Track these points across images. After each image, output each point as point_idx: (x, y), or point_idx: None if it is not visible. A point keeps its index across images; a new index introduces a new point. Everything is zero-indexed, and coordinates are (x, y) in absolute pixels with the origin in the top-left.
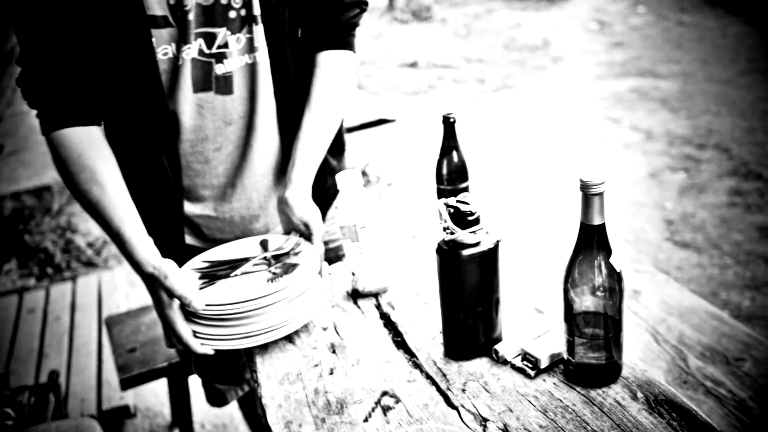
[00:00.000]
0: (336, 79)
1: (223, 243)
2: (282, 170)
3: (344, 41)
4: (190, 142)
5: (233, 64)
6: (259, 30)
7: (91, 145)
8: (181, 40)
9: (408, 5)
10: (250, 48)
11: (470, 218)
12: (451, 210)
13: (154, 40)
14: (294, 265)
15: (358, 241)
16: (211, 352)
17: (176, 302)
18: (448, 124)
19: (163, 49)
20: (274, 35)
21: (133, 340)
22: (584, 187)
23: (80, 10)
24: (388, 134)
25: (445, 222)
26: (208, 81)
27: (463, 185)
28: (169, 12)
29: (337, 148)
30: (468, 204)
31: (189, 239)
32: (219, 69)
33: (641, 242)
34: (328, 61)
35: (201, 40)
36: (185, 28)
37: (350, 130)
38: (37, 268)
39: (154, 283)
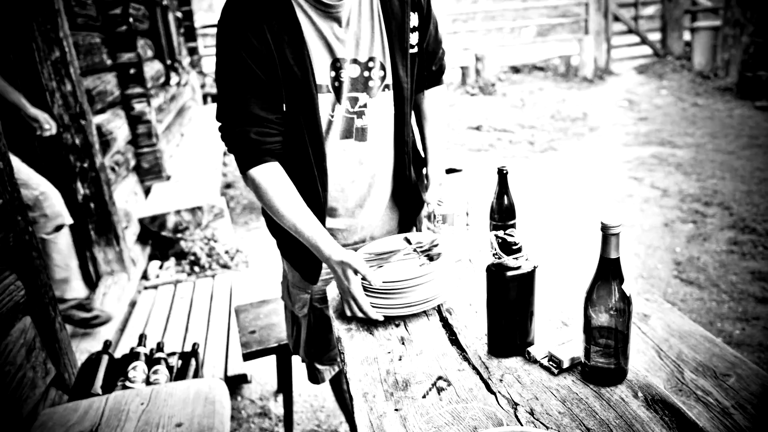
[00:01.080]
0: (440, 102)
1: (345, 246)
2: (391, 196)
3: (441, 80)
4: (332, 176)
5: (369, 119)
6: (389, 95)
7: (278, 178)
8: (336, 101)
9: (476, 82)
10: (382, 107)
11: (514, 247)
12: (500, 240)
13: (318, 101)
14: (439, 254)
15: (452, 225)
16: (381, 318)
17: (359, 279)
18: (502, 175)
19: (323, 108)
20: (399, 99)
21: (254, 324)
22: (604, 228)
23: (270, 81)
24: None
25: (495, 249)
26: (350, 131)
27: (511, 222)
28: (330, 82)
29: (422, 179)
30: (513, 236)
31: None
32: (358, 122)
33: (653, 278)
34: (433, 93)
35: (347, 102)
36: (339, 93)
37: None
38: (188, 267)
39: (343, 267)
